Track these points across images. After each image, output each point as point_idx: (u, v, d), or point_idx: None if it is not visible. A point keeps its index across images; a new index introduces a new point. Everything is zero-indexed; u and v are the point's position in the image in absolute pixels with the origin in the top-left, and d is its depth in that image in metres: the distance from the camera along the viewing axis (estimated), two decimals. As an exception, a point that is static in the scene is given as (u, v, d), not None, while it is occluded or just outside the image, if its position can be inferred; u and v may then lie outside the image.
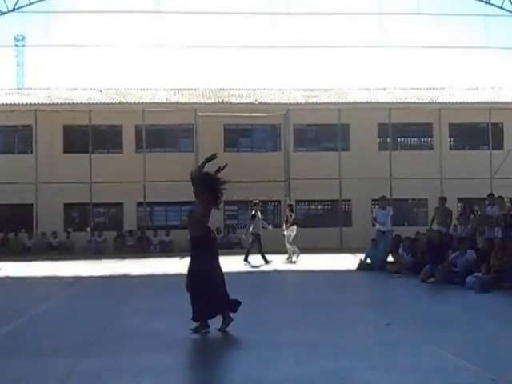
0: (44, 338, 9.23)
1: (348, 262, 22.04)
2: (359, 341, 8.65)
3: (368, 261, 19.86)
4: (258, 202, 23.77)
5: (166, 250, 32.04)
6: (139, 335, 9.08)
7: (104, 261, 26.04)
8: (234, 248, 31.36)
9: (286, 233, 24.00)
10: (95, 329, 9.74)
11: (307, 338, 8.79)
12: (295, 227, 24.03)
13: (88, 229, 33.03)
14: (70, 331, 9.67)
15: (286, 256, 23.84)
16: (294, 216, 24.25)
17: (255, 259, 22.61)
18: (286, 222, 24.27)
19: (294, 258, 23.69)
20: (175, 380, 6.69)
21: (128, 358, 7.59)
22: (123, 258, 27.90)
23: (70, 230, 33.30)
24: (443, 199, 21.35)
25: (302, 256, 25.22)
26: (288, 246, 23.86)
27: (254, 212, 23.31)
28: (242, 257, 23.26)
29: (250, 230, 23.15)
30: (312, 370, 6.95)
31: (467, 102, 34.16)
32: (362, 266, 19.70)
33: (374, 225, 22.48)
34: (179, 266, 22.78)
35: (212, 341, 8.76)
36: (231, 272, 20.33)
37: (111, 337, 9.16)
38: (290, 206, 25.06)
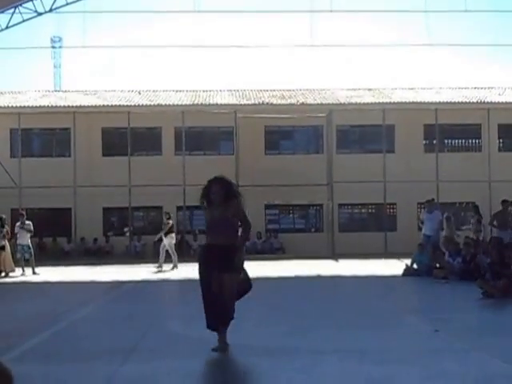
0: (84, 343, 9.19)
1: (393, 267, 21.43)
2: (406, 348, 8.36)
3: (414, 266, 19.19)
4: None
5: (206, 254, 31.47)
6: (180, 340, 9.04)
7: (143, 265, 25.72)
8: (275, 253, 30.78)
9: (165, 241, 23.39)
10: (135, 334, 9.62)
11: (352, 345, 8.51)
12: (173, 235, 23.76)
13: (127, 233, 32.66)
14: (111, 336, 9.62)
15: (171, 265, 23.29)
16: (171, 223, 23.68)
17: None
18: (163, 229, 23.63)
19: (164, 267, 23.06)
20: None
21: (169, 364, 7.49)
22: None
23: (109, 234, 33.01)
24: (506, 203, 20.28)
25: (346, 261, 24.57)
26: (169, 254, 23.36)
27: (447, 214, 21.89)
28: (284, 262, 22.77)
29: (443, 233, 21.44)
30: (358, 377, 6.76)
31: (517, 102, 33.14)
32: (408, 271, 19.04)
33: (420, 229, 21.73)
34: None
35: (254, 346, 8.42)
36: (275, 277, 20.19)
37: (152, 342, 9.05)
38: (168, 213, 24.46)
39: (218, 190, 8.36)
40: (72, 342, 9.26)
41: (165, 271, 22.58)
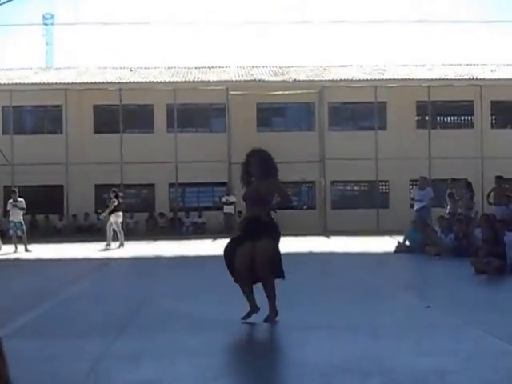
0: (77, 319, 9.14)
1: (385, 244, 21.44)
2: (399, 323, 8.29)
3: (407, 243, 19.19)
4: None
5: (198, 231, 31.67)
6: (173, 316, 8.95)
7: (135, 242, 25.73)
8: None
9: (112, 220, 23.01)
10: (128, 310, 9.57)
11: (345, 321, 8.47)
12: (120, 213, 23.28)
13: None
14: (103, 313, 9.54)
15: (117, 243, 23.04)
16: (117, 202, 23.15)
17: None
18: (108, 208, 23.21)
19: (112, 245, 22.79)
20: (211, 361, 6.39)
21: (162, 339, 7.43)
22: (155, 239, 27.70)
23: (100, 211, 32.94)
24: (500, 179, 20.27)
25: (338, 238, 24.58)
26: (113, 232, 23.06)
27: (450, 190, 21.50)
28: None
29: (447, 209, 21.17)
30: (350, 352, 6.69)
31: (510, 79, 33.12)
32: (400, 248, 19.05)
33: (412, 206, 21.78)
34: (211, 247, 22.61)
35: (246, 322, 8.30)
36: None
37: (145, 318, 8.99)
38: (115, 191, 23.78)
39: (256, 163, 8.31)
40: (64, 318, 9.22)
41: (112, 249, 22.36)
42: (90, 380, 5.75)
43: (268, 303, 8.22)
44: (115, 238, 23.19)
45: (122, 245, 22.96)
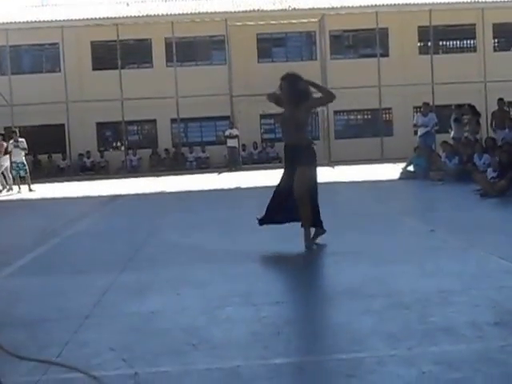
0: (81, 255, 9.21)
1: (390, 171, 21.40)
2: (402, 247, 8.37)
3: (411, 168, 19.15)
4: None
5: (202, 166, 31.61)
6: (177, 249, 9.02)
7: (139, 179, 25.72)
8: (272, 162, 30.72)
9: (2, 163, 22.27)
10: (132, 244, 9.60)
11: (348, 247, 8.51)
12: (7, 157, 22.31)
13: (122, 147, 32.54)
14: (108, 248, 9.60)
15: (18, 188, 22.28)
16: (6, 145, 22.27)
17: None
18: (6, 151, 22.29)
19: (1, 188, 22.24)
20: (216, 291, 6.42)
21: (167, 271, 7.51)
22: (159, 175, 27.68)
23: (101, 149, 32.92)
24: (501, 101, 20.11)
25: (343, 167, 24.51)
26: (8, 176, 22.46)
27: (456, 115, 21.13)
28: (281, 170, 22.59)
29: (451, 134, 20.98)
30: (355, 276, 6.75)
31: (512, 1, 32.53)
32: (405, 174, 19.00)
33: (415, 133, 21.66)
34: (216, 181, 22.63)
35: (251, 252, 8.36)
36: (271, 186, 20.07)
37: (149, 251, 9.04)
38: (1, 134, 22.80)
39: (286, 87, 8.36)
40: (69, 255, 9.26)
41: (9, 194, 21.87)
42: (95, 313, 5.79)
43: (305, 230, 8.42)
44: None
45: (10, 189, 22.39)
